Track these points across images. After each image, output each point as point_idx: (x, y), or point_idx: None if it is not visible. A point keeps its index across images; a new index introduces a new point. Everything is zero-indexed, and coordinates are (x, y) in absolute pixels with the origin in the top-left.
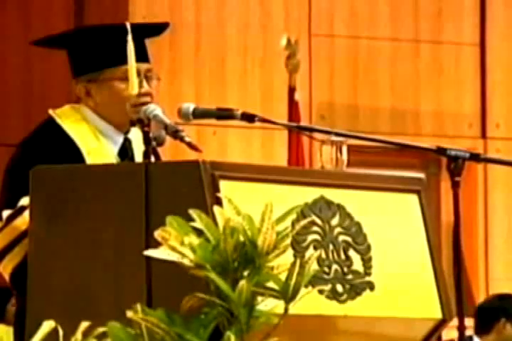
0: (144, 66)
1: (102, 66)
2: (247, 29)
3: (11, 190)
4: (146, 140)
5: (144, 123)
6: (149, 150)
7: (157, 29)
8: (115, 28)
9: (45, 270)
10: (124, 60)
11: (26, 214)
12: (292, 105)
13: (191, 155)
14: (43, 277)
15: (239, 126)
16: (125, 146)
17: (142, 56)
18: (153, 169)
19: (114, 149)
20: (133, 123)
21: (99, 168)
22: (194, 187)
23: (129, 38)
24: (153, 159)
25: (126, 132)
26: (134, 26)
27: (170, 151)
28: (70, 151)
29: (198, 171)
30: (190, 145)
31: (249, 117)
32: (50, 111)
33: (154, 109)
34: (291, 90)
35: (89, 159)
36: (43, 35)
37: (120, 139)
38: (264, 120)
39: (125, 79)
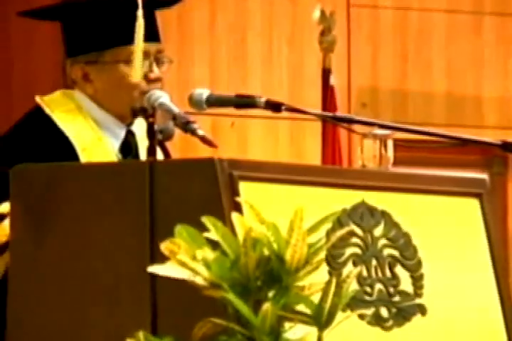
0: (154, 46)
1: (105, 45)
2: None
3: None
4: (151, 133)
5: (148, 113)
6: (154, 145)
7: (170, 1)
8: (122, 0)
9: (29, 289)
10: (131, 39)
11: (6, 223)
12: (327, 91)
13: (205, 152)
14: (26, 298)
15: (262, 117)
16: (128, 141)
17: (152, 34)
18: (160, 168)
19: (115, 144)
20: (135, 113)
21: (94, 167)
22: (208, 189)
23: (140, 13)
24: (160, 156)
25: (130, 124)
26: None
27: (179, 147)
28: (61, 148)
29: (213, 171)
30: (203, 139)
31: (274, 105)
32: (38, 99)
33: (160, 95)
34: (326, 73)
35: (84, 157)
36: (23, 19)
37: (122, 132)
38: (292, 109)
39: (129, 62)
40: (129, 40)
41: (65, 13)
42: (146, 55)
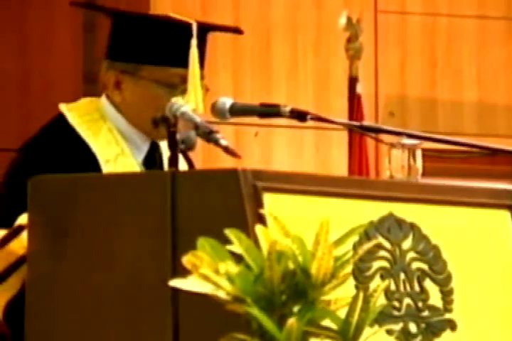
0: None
1: (148, 60)
2: (297, 5)
3: (7, 205)
4: (172, 143)
5: (169, 122)
6: (176, 155)
7: (224, 30)
8: (175, 24)
9: (47, 303)
10: (170, 62)
11: (25, 235)
12: (354, 99)
13: (228, 162)
14: (44, 314)
15: (287, 126)
16: (152, 153)
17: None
18: (182, 179)
19: (139, 157)
20: (156, 123)
21: (115, 178)
22: (232, 201)
23: (194, 42)
24: (184, 167)
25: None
26: (199, 26)
27: (202, 157)
28: (84, 159)
29: (236, 182)
30: (226, 149)
31: (299, 115)
32: (62, 107)
33: (182, 104)
34: (353, 81)
35: (108, 169)
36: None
37: (146, 145)
38: (318, 118)
39: (165, 84)
40: (174, 62)
41: (122, 17)
42: (184, 80)
